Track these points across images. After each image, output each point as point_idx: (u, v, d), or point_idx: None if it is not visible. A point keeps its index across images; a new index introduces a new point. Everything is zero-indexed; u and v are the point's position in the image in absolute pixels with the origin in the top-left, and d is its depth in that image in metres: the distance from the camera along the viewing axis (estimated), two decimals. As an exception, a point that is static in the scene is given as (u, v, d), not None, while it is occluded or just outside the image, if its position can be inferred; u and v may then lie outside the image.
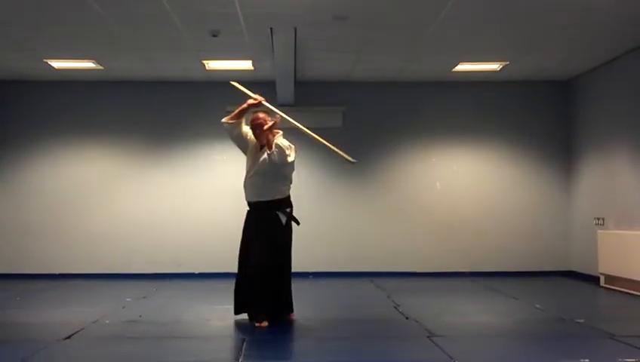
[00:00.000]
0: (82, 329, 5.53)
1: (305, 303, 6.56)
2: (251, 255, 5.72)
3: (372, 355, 4.62)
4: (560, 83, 10.05)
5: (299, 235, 6.06)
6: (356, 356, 4.68)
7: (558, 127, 10.08)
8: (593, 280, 8.75)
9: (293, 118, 5.93)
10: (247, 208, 5.92)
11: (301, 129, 5.92)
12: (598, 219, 8.95)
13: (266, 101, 5.90)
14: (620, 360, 4.35)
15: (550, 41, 7.91)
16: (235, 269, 5.89)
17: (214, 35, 7.48)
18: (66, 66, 9.00)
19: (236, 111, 5.87)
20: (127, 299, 7.37)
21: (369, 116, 10.04)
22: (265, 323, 5.57)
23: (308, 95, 9.81)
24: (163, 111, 10.01)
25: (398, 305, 6.80)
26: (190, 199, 9.86)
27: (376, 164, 9.95)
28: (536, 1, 6.41)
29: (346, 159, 6.01)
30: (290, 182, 5.92)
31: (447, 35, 7.58)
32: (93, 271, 9.64)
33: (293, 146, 5.77)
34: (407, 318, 6.06)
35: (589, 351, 4.64)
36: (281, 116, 5.75)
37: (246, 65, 8.92)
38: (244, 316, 5.82)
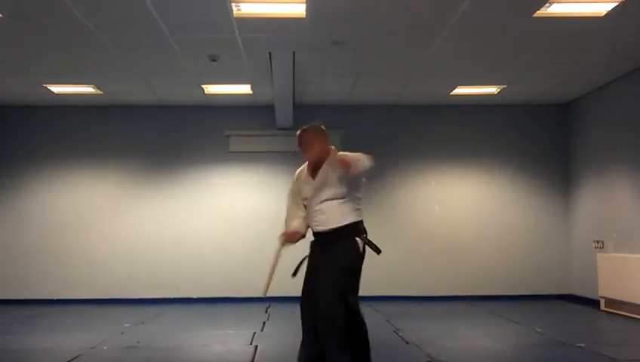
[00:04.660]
0: (79, 355, 5.49)
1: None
2: None
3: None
4: (558, 106, 10.08)
5: (293, 258, 5.15)
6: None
7: (556, 149, 10.11)
8: (593, 303, 8.70)
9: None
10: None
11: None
12: (598, 241, 8.93)
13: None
14: (621, 385, 4.34)
15: (547, 65, 7.94)
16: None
17: (213, 60, 7.52)
18: (66, 91, 9.03)
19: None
20: (126, 325, 7.32)
21: (368, 139, 9.96)
22: None
23: (307, 118, 9.61)
24: (162, 135, 10.03)
25: (398, 330, 6.76)
26: (189, 223, 9.83)
27: (375, 187, 9.88)
28: (532, 25, 6.43)
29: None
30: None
31: (444, 58, 7.62)
32: (92, 296, 9.59)
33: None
34: (407, 342, 6.02)
35: (590, 376, 4.62)
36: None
37: (245, 89, 8.95)
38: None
